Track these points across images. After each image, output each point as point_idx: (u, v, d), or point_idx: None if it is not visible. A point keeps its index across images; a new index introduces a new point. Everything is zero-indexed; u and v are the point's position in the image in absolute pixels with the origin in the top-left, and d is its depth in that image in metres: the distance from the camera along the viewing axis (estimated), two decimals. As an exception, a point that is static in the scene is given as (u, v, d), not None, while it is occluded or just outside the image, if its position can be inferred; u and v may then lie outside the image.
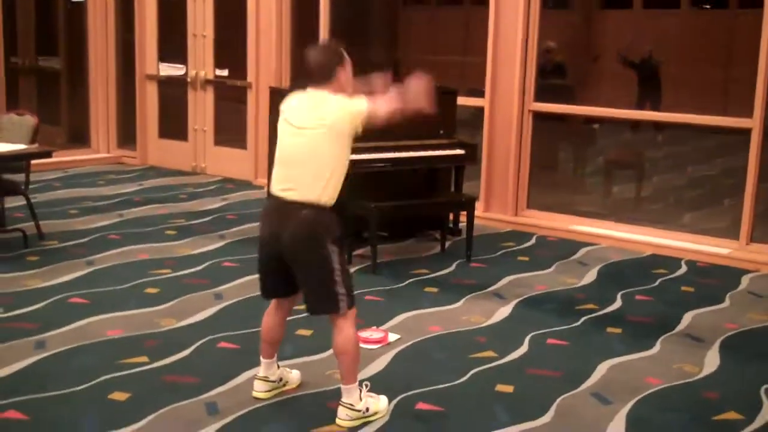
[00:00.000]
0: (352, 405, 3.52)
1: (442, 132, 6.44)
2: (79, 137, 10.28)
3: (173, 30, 9.40)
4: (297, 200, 3.42)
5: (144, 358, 4.13)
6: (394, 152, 6.10)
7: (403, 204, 5.90)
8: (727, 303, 5.34)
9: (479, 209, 7.27)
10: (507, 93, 7.11)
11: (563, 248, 6.53)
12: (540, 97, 7.23)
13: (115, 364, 4.05)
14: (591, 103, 7.81)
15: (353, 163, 6.02)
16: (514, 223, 7.16)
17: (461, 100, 7.18)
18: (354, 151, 5.90)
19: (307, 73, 3.53)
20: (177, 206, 7.57)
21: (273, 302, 3.72)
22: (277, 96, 6.43)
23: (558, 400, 3.82)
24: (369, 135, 6.05)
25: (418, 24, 12.91)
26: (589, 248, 6.56)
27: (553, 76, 9.44)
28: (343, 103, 3.46)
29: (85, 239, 6.30)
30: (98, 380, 3.86)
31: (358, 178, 5.95)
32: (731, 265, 6.16)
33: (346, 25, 11.63)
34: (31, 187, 6.32)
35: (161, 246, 6.19)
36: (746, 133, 6.23)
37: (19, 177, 6.20)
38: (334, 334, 3.52)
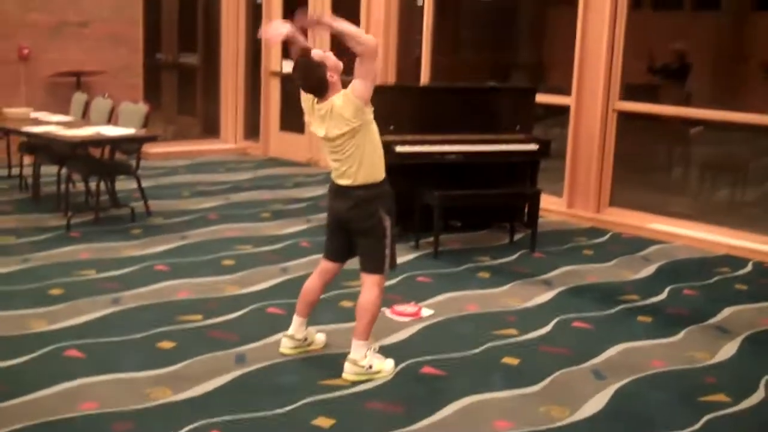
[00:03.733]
0: (356, 361, 3.93)
1: (518, 128, 6.72)
2: (213, 129, 11.12)
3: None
4: (348, 185, 3.91)
5: (199, 317, 4.68)
6: (469, 145, 6.42)
7: (466, 194, 6.20)
8: (776, 302, 5.39)
9: (563, 205, 7.50)
10: (592, 92, 7.27)
11: (634, 245, 6.65)
12: (649, 95, 7.30)
13: (173, 319, 4.63)
14: (737, 108, 7.50)
15: (427, 155, 6.35)
16: (594, 220, 7.32)
17: (545, 98, 7.43)
18: (428, 143, 6.31)
19: (307, 90, 3.92)
20: (280, 193, 8.17)
21: (320, 266, 4.21)
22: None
23: (556, 373, 4.09)
24: (445, 128, 6.43)
25: (564, 24, 13.02)
26: (660, 246, 6.65)
27: (674, 77, 9.47)
28: (347, 107, 3.77)
29: (187, 218, 6.97)
30: (153, 332, 4.44)
31: (430, 168, 6.34)
32: (802, 268, 6.15)
33: (493, 27, 11.94)
34: (156, 171, 7.01)
35: (252, 226, 6.78)
36: None
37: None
38: (362, 292, 3.97)
